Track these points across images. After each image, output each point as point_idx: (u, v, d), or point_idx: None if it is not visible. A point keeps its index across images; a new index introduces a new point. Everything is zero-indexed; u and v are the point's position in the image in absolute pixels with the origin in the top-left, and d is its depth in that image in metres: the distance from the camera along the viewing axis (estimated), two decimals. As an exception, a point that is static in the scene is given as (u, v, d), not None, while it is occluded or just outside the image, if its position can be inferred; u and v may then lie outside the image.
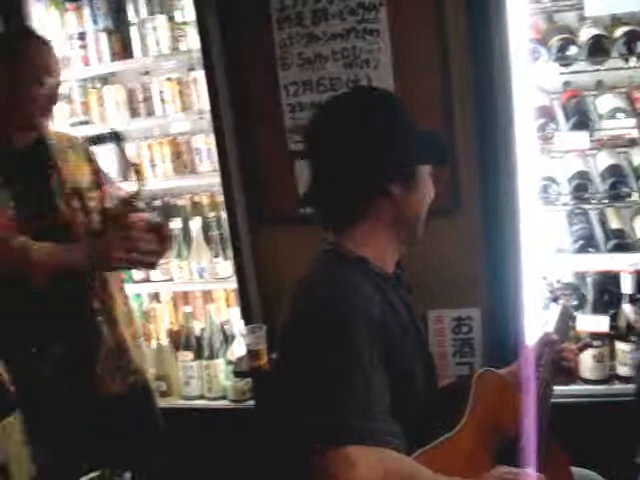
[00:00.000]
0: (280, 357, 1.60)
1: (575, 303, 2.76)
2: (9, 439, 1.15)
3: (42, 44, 2.27)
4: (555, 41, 2.74)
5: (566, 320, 2.04)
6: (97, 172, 2.51)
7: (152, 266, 2.42)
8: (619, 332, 2.85)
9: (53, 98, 2.27)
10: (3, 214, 2.21)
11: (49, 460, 2.19)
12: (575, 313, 2.15)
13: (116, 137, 2.41)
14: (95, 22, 3.34)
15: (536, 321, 2.56)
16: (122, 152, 2.43)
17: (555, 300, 2.11)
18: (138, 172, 2.45)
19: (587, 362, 2.86)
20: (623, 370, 2.85)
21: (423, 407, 1.58)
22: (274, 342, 1.66)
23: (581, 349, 2.07)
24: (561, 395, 2.75)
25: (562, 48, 2.73)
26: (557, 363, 1.90)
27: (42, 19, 3.27)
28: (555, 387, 1.88)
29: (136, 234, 2.25)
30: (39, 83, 2.21)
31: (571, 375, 2.00)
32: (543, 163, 2.88)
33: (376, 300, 1.50)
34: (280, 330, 1.57)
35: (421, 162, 1.61)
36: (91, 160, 2.51)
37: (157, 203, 3.48)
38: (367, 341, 1.42)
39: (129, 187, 2.50)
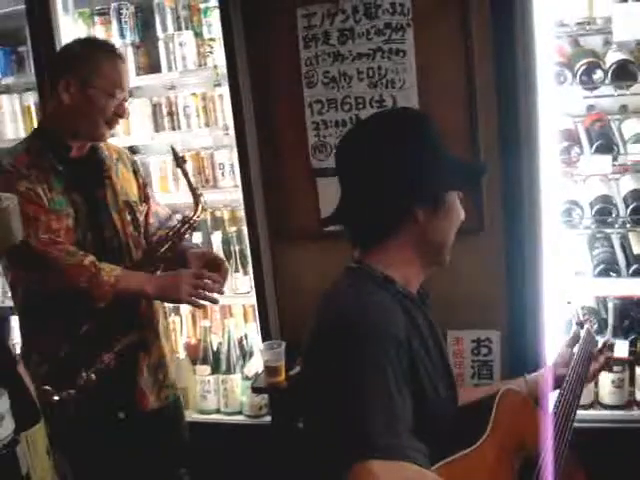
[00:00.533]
0: (305, 372, 1.61)
1: (595, 327, 2.75)
2: (33, 449, 1.15)
3: (118, 58, 2.31)
4: (581, 65, 2.74)
5: (591, 343, 2.03)
6: (143, 187, 2.54)
7: (215, 302, 2.42)
8: (639, 357, 2.84)
9: (122, 112, 2.31)
10: (62, 221, 2.23)
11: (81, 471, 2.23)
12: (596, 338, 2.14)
13: (177, 158, 2.42)
14: (122, 36, 3.38)
15: (558, 343, 2.55)
16: (185, 174, 2.44)
17: (580, 325, 2.10)
18: (196, 195, 2.44)
19: (606, 387, 2.85)
20: (643, 396, 2.84)
21: (445, 425, 1.57)
22: (298, 356, 1.66)
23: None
24: (579, 420, 2.73)
25: (588, 72, 2.73)
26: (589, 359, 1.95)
27: (70, 32, 3.30)
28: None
29: (207, 272, 2.30)
30: (111, 96, 2.25)
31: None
32: (566, 186, 2.88)
33: (402, 320, 1.51)
34: (306, 345, 1.58)
35: (449, 189, 1.61)
36: (138, 174, 2.54)
37: (178, 217, 3.48)
38: (392, 360, 1.42)
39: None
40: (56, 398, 2.11)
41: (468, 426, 1.61)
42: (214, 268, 2.43)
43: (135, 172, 2.53)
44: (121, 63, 2.31)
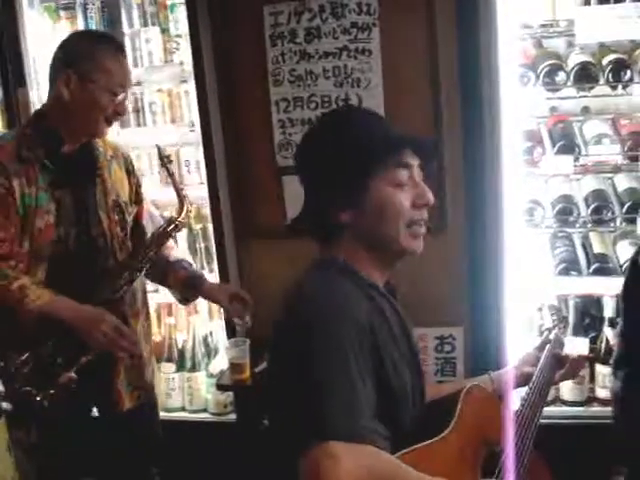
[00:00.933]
0: (270, 360, 1.62)
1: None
2: (-6, 446, 1.15)
3: (122, 55, 2.26)
4: (544, 66, 2.78)
5: (557, 350, 2.06)
6: (136, 187, 2.50)
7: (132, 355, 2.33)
8: (599, 355, 2.88)
9: (121, 110, 2.27)
10: (41, 217, 2.19)
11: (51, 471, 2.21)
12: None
13: (161, 156, 2.39)
14: (88, 31, 3.35)
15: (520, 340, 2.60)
16: (171, 174, 2.41)
17: (549, 330, 2.14)
18: (181, 195, 2.41)
19: (567, 384, 2.89)
20: (602, 393, 2.88)
21: (411, 417, 1.59)
22: (266, 350, 1.66)
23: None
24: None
25: (550, 73, 2.78)
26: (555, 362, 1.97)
27: (35, 26, 3.27)
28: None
29: (126, 331, 2.20)
30: (112, 94, 2.21)
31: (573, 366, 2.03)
32: (529, 186, 2.92)
33: (364, 308, 1.52)
34: (273, 333, 1.59)
35: (372, 180, 1.57)
36: (132, 174, 2.49)
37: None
38: (353, 344, 1.43)
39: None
40: (38, 398, 2.10)
41: (433, 419, 1.62)
42: (239, 302, 2.52)
43: (128, 172, 2.47)
44: (124, 59, 2.27)
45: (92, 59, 2.19)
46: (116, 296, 2.29)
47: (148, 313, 2.61)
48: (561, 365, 2.00)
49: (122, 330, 2.18)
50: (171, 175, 2.41)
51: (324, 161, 1.59)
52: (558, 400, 2.95)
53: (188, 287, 2.52)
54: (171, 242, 2.52)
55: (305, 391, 1.39)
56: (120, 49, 2.28)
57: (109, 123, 2.28)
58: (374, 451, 1.37)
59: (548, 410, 2.83)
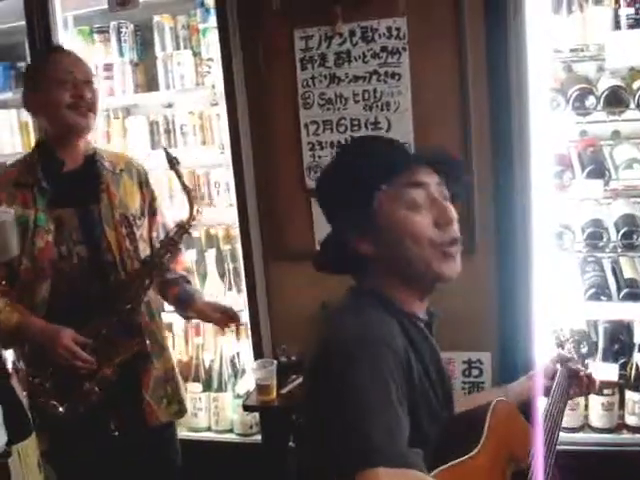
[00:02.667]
0: (307, 387, 1.61)
1: (585, 350, 2.77)
2: (24, 462, 1.16)
3: (63, 51, 2.36)
4: (574, 91, 2.78)
5: (569, 366, 2.05)
6: (150, 200, 2.52)
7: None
8: (629, 381, 2.85)
9: (81, 92, 2.29)
10: (41, 237, 2.23)
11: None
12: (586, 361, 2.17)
13: (170, 159, 2.40)
14: (121, 54, 3.41)
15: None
16: (179, 176, 2.43)
17: (561, 345, 2.13)
18: (190, 196, 2.42)
19: (596, 410, 2.86)
20: (632, 420, 2.85)
21: (440, 438, 1.58)
22: (304, 373, 1.66)
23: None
24: (570, 442, 2.75)
25: (580, 98, 2.77)
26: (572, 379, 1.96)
27: (69, 49, 3.32)
28: (563, 434, 1.90)
29: (82, 355, 2.20)
30: (59, 83, 2.25)
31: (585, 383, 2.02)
32: (559, 210, 2.91)
33: (398, 337, 1.50)
34: (309, 364, 1.57)
35: (376, 203, 1.54)
36: (146, 186, 2.51)
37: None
38: (392, 372, 1.42)
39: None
40: (60, 410, 2.12)
41: (462, 435, 1.60)
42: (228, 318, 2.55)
43: (141, 184, 2.49)
44: (67, 55, 2.35)
45: (33, 70, 2.36)
46: (128, 308, 2.32)
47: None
48: (576, 379, 1.99)
49: (74, 351, 2.19)
50: (179, 177, 2.41)
51: (331, 192, 1.61)
52: (587, 426, 2.91)
53: (180, 303, 2.55)
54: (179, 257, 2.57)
55: (348, 418, 1.37)
56: (63, 49, 2.40)
57: (79, 112, 2.29)
58: (418, 476, 1.35)
59: (577, 436, 2.82)
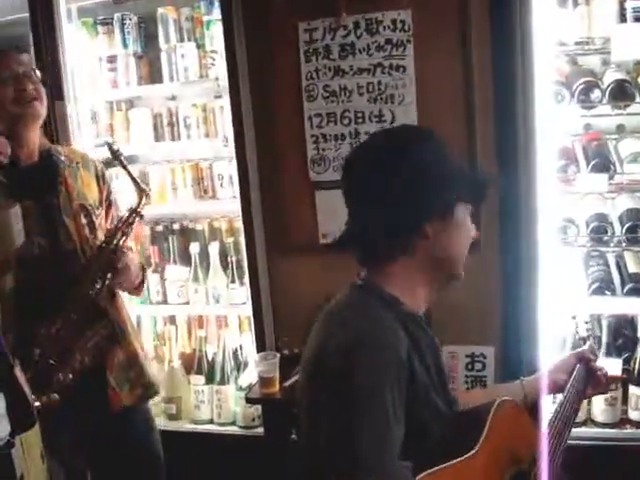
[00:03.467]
0: (304, 383, 1.60)
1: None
2: (27, 452, 1.15)
3: (5, 52, 2.32)
4: (579, 84, 2.76)
5: (590, 363, 2.03)
6: (107, 193, 2.55)
7: None
8: (632, 376, 2.84)
9: (25, 85, 2.28)
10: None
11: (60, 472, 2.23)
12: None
13: (113, 152, 2.43)
14: (125, 46, 3.39)
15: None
16: (124, 166, 2.45)
17: (583, 341, 2.11)
18: (137, 183, 2.45)
19: (599, 405, 2.86)
20: (635, 415, 2.84)
21: (442, 438, 1.58)
22: (297, 367, 1.66)
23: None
24: (571, 437, 2.74)
25: (585, 91, 2.75)
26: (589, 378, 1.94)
27: (73, 41, 3.33)
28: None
29: None
30: (3, 83, 2.24)
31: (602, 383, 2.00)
32: (563, 204, 2.90)
33: (404, 341, 1.51)
34: (307, 360, 1.58)
35: (457, 200, 1.60)
36: (102, 180, 2.54)
37: (176, 227, 3.50)
38: (392, 380, 1.43)
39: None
40: (37, 404, 2.12)
41: (461, 436, 1.60)
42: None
43: (98, 178, 2.52)
44: (4, 55, 2.31)
45: None
46: (92, 293, 2.34)
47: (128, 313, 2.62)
48: (594, 379, 1.97)
49: None
50: (125, 167, 2.44)
51: (419, 176, 1.56)
52: (589, 421, 2.91)
53: None
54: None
55: (339, 423, 1.38)
56: (3, 51, 2.34)
57: (20, 103, 2.29)
58: None
59: (580, 431, 2.81)
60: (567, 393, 1.87)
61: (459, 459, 1.51)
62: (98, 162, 2.59)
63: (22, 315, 2.22)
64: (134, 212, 2.43)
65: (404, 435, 1.45)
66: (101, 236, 2.44)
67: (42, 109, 2.36)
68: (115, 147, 2.44)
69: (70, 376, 2.23)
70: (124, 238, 2.42)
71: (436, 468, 1.46)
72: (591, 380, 1.96)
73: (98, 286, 2.35)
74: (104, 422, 2.42)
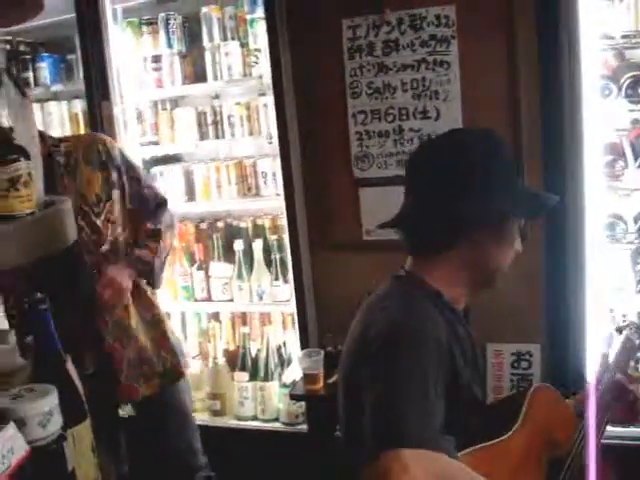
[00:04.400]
0: (347, 375, 1.62)
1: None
2: (79, 446, 1.17)
3: None
4: (626, 78, 2.72)
5: (628, 351, 1.99)
6: (117, 173, 2.48)
7: None
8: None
9: None
10: None
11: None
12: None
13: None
14: (170, 46, 3.43)
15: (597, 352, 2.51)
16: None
17: (619, 331, 2.05)
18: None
19: None
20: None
21: (479, 420, 1.59)
22: (342, 356, 1.67)
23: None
24: (617, 437, 2.69)
25: (633, 85, 2.71)
26: (615, 395, 1.85)
27: (118, 41, 3.37)
28: (610, 428, 1.83)
29: None
30: None
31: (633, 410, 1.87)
32: (610, 200, 2.85)
33: (445, 331, 1.53)
34: (349, 350, 1.60)
35: (516, 215, 1.60)
36: (109, 162, 2.46)
37: (220, 224, 3.53)
38: (434, 363, 1.44)
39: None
40: None
41: (499, 419, 1.63)
42: None
43: (103, 164, 2.45)
44: None
45: None
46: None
47: (151, 306, 2.64)
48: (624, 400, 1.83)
49: None
50: None
51: (481, 180, 1.56)
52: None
53: None
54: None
55: (382, 399, 1.40)
56: None
57: None
58: (445, 459, 1.37)
59: (626, 430, 2.75)
60: (606, 381, 1.81)
61: (497, 440, 1.53)
62: (105, 142, 2.50)
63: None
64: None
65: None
66: (111, 229, 2.45)
67: None
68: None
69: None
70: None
71: (475, 447, 1.48)
72: (622, 398, 1.84)
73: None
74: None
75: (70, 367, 1.21)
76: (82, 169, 2.43)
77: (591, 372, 1.92)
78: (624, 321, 2.11)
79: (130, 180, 2.53)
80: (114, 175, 2.47)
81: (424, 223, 1.60)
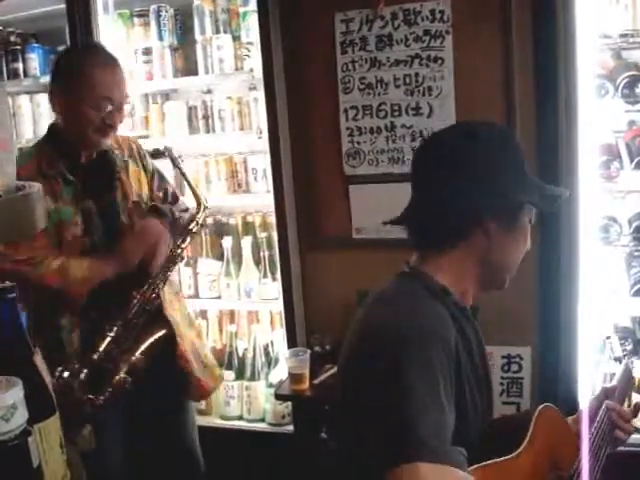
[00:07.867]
0: (348, 377, 1.56)
1: (629, 347, 2.68)
2: (46, 442, 1.13)
3: (108, 67, 2.25)
4: (623, 78, 2.68)
5: (628, 381, 1.95)
6: (151, 174, 2.53)
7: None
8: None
9: (112, 121, 2.25)
10: (69, 230, 2.23)
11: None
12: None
13: (172, 158, 2.41)
14: (161, 38, 3.38)
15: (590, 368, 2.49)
16: (183, 174, 2.44)
17: (618, 360, 2.02)
18: (196, 193, 2.47)
19: (640, 410, 2.77)
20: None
21: (482, 436, 1.55)
22: (341, 358, 1.61)
23: (635, 412, 1.95)
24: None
25: (630, 85, 2.68)
26: (612, 425, 1.82)
27: (109, 33, 3.32)
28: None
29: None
30: (96, 107, 2.20)
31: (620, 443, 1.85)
32: (605, 202, 2.82)
33: (453, 331, 1.48)
34: (350, 349, 1.54)
35: (529, 205, 1.56)
36: (146, 163, 2.52)
37: (209, 220, 3.48)
38: (443, 366, 1.39)
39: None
40: (101, 402, 2.14)
41: (505, 437, 1.58)
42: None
43: (143, 165, 2.50)
44: (111, 74, 2.24)
45: (74, 74, 2.22)
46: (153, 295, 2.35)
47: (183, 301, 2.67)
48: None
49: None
50: (184, 176, 2.46)
51: (494, 168, 1.52)
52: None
53: None
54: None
55: (394, 410, 1.34)
56: (109, 61, 2.27)
57: (103, 134, 2.26)
58: (460, 475, 1.31)
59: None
60: (593, 440, 1.78)
61: (504, 457, 1.49)
62: (137, 143, 2.56)
63: (86, 313, 2.24)
64: (194, 221, 2.44)
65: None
66: None
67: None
68: (174, 154, 2.43)
69: (128, 378, 2.22)
70: (185, 244, 2.43)
71: (484, 463, 1.43)
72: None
73: (156, 291, 2.35)
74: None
75: (38, 360, 1.17)
76: (131, 165, 2.45)
77: (586, 400, 1.87)
78: (623, 350, 2.08)
79: (159, 179, 2.58)
80: (149, 176, 2.52)
81: (438, 214, 1.54)
